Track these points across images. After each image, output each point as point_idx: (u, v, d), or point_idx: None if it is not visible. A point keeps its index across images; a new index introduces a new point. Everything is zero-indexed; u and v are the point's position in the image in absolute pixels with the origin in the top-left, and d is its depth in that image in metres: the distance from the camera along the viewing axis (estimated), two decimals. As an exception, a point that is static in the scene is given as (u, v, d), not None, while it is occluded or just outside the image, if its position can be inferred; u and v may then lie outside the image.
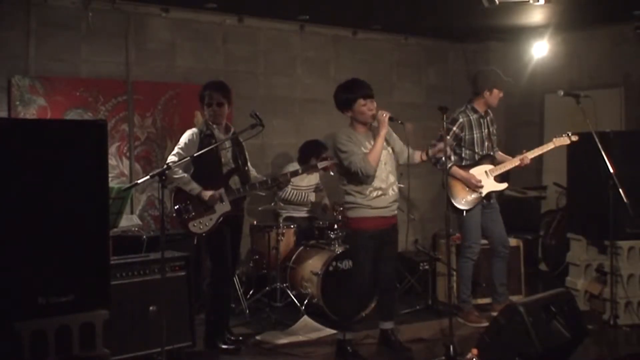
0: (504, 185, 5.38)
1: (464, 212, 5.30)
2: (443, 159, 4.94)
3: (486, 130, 5.41)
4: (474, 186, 5.24)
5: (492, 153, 5.42)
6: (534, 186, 7.48)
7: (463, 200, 5.28)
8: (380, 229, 4.55)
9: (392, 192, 4.59)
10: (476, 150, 5.35)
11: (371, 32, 7.62)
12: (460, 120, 5.32)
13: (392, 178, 4.60)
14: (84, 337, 3.34)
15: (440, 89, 8.16)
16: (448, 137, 5.25)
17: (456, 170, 5.27)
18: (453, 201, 5.26)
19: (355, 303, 4.75)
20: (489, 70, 5.60)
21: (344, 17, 7.00)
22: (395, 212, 4.68)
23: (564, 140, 5.26)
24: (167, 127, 6.35)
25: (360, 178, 4.45)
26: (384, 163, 4.54)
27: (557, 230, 7.14)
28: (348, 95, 4.50)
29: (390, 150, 4.66)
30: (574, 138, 5.24)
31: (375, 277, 4.62)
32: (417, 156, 4.77)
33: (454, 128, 5.30)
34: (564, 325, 3.84)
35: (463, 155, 5.38)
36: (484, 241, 5.54)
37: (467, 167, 5.32)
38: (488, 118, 5.46)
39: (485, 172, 5.32)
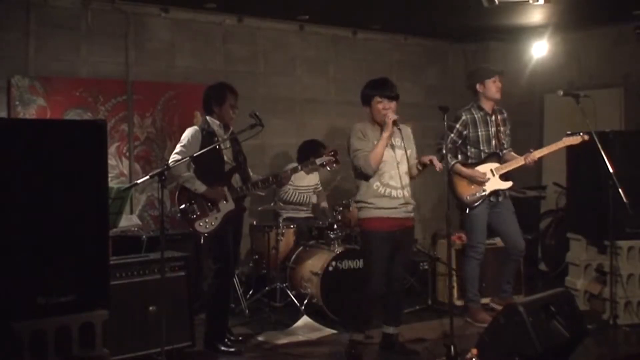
0: (508, 184, 5.34)
1: (467, 210, 5.30)
2: (448, 157, 4.98)
3: (493, 129, 5.37)
4: (479, 182, 5.24)
5: (499, 152, 5.38)
6: (534, 186, 7.48)
7: (467, 198, 5.28)
8: (393, 231, 4.43)
9: (406, 193, 4.50)
10: (482, 148, 5.34)
11: (371, 32, 7.62)
12: (464, 117, 5.32)
13: (406, 179, 4.53)
14: (84, 337, 3.34)
15: (440, 89, 8.15)
16: (452, 135, 5.29)
17: (459, 167, 5.27)
18: (457, 199, 5.29)
19: (366, 305, 4.56)
20: (476, 67, 5.84)
21: (343, 17, 7.00)
22: (410, 214, 4.54)
23: (574, 140, 5.16)
24: (167, 127, 6.36)
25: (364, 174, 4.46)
26: (397, 162, 4.48)
27: (556, 230, 7.14)
28: (368, 91, 4.56)
29: (407, 153, 4.53)
30: (586, 137, 5.11)
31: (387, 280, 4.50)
32: (415, 170, 4.66)
33: (457, 125, 5.31)
34: (563, 325, 3.84)
35: (469, 153, 5.37)
36: (490, 241, 5.55)
37: (473, 165, 5.32)
38: (498, 117, 5.40)
39: (491, 170, 5.29)
